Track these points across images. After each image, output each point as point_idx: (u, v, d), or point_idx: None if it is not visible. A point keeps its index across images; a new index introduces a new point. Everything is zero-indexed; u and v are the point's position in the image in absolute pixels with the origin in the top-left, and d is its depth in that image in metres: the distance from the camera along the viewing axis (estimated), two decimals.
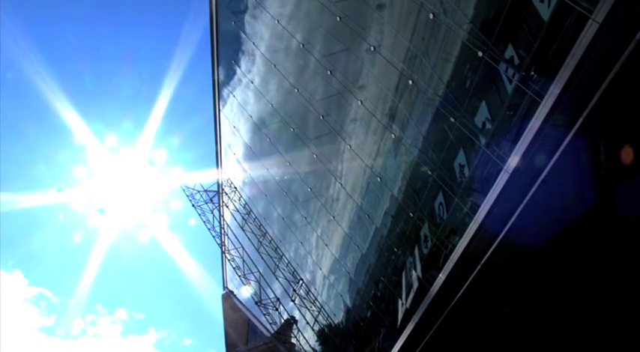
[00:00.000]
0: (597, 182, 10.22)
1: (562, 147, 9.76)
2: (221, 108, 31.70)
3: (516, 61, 10.73)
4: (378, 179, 17.38)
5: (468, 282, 12.64)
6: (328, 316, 25.56)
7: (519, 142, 10.34)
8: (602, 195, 10.28)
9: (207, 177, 36.63)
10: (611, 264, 11.37)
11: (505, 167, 10.79)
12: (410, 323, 15.34)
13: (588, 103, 9.14)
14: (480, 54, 11.37)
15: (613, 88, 8.75)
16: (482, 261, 12.00)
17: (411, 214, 15.84)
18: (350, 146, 18.60)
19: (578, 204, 10.51)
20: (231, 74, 28.57)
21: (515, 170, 10.58)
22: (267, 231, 31.73)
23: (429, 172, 14.34)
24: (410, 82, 14.31)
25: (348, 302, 23.10)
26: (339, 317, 24.57)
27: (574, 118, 9.41)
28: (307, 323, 28.06)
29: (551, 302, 12.75)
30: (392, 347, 16.64)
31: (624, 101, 9.11)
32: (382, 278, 19.04)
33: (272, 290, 31.72)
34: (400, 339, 15.96)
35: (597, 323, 12.45)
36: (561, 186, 10.33)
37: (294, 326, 30.69)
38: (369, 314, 20.68)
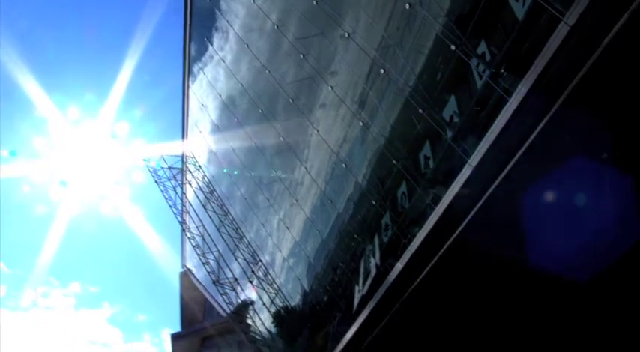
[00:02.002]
0: (556, 181, 10.45)
1: (524, 147, 9.92)
2: (190, 84, 31.36)
3: (488, 57, 10.86)
4: (344, 165, 17.44)
5: (425, 272, 12.84)
6: (285, 298, 25.69)
7: (485, 138, 10.48)
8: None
9: (172, 152, 36.29)
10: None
11: (469, 161, 10.94)
12: (365, 309, 15.52)
13: (554, 104, 9.30)
14: (453, 48, 11.47)
15: (579, 92, 8.91)
16: (441, 252, 12.19)
17: (374, 202, 15.97)
18: (317, 131, 18.60)
19: (537, 202, 10.73)
20: (202, 50, 28.26)
21: (479, 164, 10.73)
22: (229, 211, 31.63)
23: (394, 162, 14.45)
24: (382, 70, 14.36)
25: (305, 285, 23.23)
26: (295, 300, 24.71)
27: (539, 118, 9.57)
28: (264, 304, 28.14)
29: (505, 296, 13.02)
30: (346, 331, 16.82)
31: (590, 104, 9.30)
32: (341, 264, 19.17)
33: (230, 270, 31.67)
34: (355, 324, 16.14)
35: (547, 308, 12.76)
36: (524, 184, 10.52)
37: (251, 307, 30.73)
38: (325, 299, 20.83)
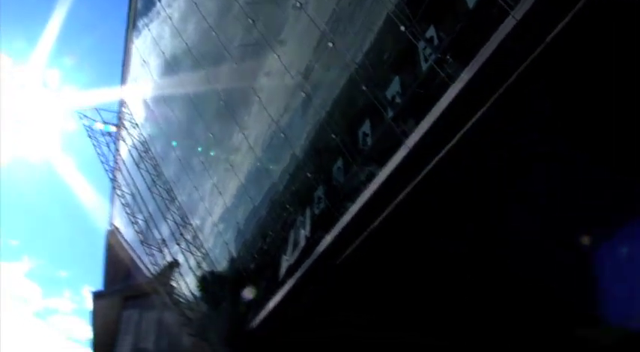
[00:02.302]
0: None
1: (461, 133, 10.16)
2: (134, 39, 30.53)
3: (436, 41, 11.03)
4: (282, 135, 17.42)
5: (354, 246, 13.06)
6: (212, 263, 25.59)
7: (424, 121, 10.68)
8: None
9: (108, 107, 35.28)
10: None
11: (406, 142, 11.12)
12: (291, 279, 15.69)
13: (494, 94, 9.54)
14: (403, 29, 11.56)
15: (521, 83, 9.16)
16: (371, 229, 12.41)
17: (309, 174, 16.05)
18: (259, 98, 18.48)
19: (471, 180, 11.08)
20: (149, 6, 27.50)
21: (416, 146, 10.93)
22: (162, 172, 31.12)
23: (333, 136, 14.54)
24: (330, 44, 14.36)
25: (233, 252, 23.21)
26: (222, 266, 24.66)
27: (479, 106, 9.81)
28: (190, 268, 27.95)
29: (429, 278, 13.41)
30: (270, 299, 16.97)
31: (532, 97, 9.60)
32: (270, 233, 19.23)
33: (159, 232, 31.26)
34: (280, 292, 16.31)
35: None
36: (457, 170, 10.82)
37: (176, 270, 30.50)
38: (252, 266, 20.89)
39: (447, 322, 13.85)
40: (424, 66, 11.35)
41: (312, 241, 15.00)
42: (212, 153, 24.28)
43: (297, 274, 15.32)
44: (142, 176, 32.14)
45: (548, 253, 11.53)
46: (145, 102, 31.98)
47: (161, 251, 30.88)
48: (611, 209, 10.60)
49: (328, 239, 13.81)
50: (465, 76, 9.70)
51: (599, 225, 10.95)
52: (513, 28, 8.71)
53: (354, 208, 12.82)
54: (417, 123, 10.86)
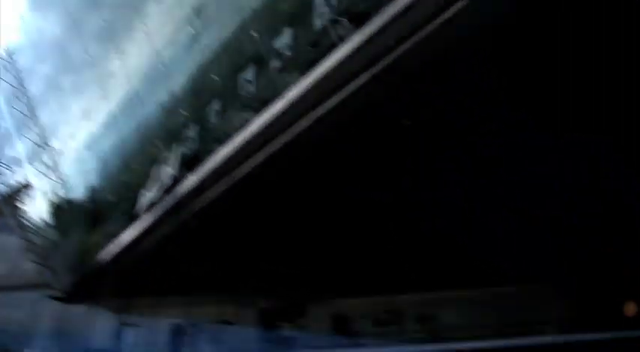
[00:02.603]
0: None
1: (345, 93, 10.32)
2: None
3: (334, 2, 11.02)
4: (162, 68, 16.80)
5: (219, 192, 13.06)
6: (69, 190, 24.41)
7: (306, 76, 10.74)
8: None
9: None
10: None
11: (287, 95, 11.14)
12: (149, 215, 15.44)
13: (377, 62, 9.75)
14: None
15: (403, 59, 9.41)
16: (236, 174, 12.45)
17: (184, 112, 15.64)
18: (145, 24, 17.63)
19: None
20: None
21: (297, 101, 10.99)
22: (26, 87, 28.95)
23: (214, 77, 14.25)
24: None
25: (94, 181, 22.28)
26: (79, 194, 23.62)
27: (361, 70, 9.98)
28: (44, 192, 26.51)
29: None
30: (123, 233, 16.64)
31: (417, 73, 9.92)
32: (136, 167, 18.63)
33: (13, 150, 29.29)
34: (135, 227, 16.02)
35: None
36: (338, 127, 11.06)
37: (27, 193, 28.86)
38: (111, 199, 20.20)
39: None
40: (319, 24, 11.33)
41: (177, 180, 14.76)
42: (85, 75, 22.89)
43: (157, 211, 15.10)
44: (3, 88, 29.84)
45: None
46: (16, 8, 29.39)
47: (12, 170, 29.05)
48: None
49: (193, 179, 13.68)
50: (355, 39, 9.82)
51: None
52: (408, 4, 8.89)
53: (224, 151, 12.75)
54: (301, 77, 10.91)
